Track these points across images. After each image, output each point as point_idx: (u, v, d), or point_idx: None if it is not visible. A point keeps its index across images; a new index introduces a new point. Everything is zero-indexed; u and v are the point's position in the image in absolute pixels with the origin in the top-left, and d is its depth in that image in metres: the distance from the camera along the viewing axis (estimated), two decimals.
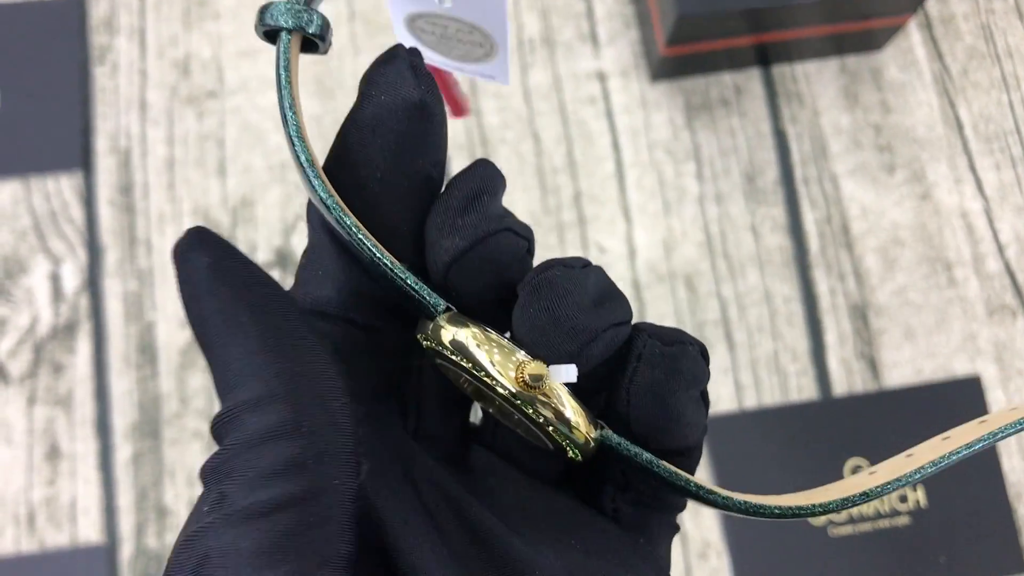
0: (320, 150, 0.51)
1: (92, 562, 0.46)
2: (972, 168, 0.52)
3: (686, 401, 0.18)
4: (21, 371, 0.49)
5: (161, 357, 0.49)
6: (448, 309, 0.18)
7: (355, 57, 0.52)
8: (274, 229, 0.50)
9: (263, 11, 0.18)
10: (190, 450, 0.48)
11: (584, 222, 0.51)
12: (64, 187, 0.51)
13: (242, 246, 0.50)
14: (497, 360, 0.17)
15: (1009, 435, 0.19)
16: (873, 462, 0.48)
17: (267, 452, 0.14)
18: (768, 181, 0.52)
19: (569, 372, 0.17)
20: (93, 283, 0.50)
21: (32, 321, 0.49)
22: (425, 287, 0.18)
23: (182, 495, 0.47)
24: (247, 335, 0.15)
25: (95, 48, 0.53)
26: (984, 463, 0.48)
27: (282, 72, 0.18)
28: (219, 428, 0.15)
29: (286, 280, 0.50)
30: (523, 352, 0.17)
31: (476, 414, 0.21)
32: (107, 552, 0.47)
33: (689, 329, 0.49)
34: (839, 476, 0.48)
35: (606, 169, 0.51)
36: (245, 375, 0.15)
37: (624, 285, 0.50)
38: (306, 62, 0.50)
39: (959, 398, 0.49)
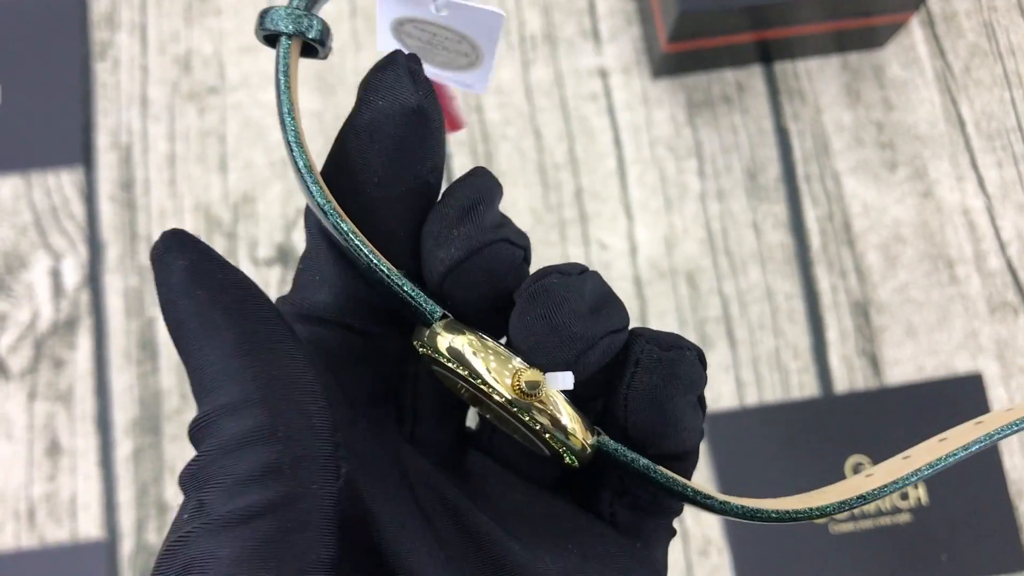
0: (321, 146, 0.51)
1: (92, 558, 0.46)
2: (974, 165, 0.52)
3: (684, 406, 0.18)
4: (21, 367, 0.49)
5: (162, 353, 0.49)
6: (444, 316, 0.18)
7: (356, 53, 0.52)
8: (275, 225, 0.50)
9: (263, 15, 0.18)
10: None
11: (585, 219, 0.51)
12: (65, 183, 0.51)
13: (243, 242, 0.50)
14: (493, 367, 0.17)
15: (1006, 436, 0.19)
16: (874, 459, 0.48)
17: (244, 458, 0.14)
18: (770, 178, 0.51)
19: (566, 379, 0.17)
20: (94, 279, 0.50)
21: (33, 317, 0.49)
22: (422, 294, 0.18)
23: None
24: (224, 338, 0.15)
25: (96, 44, 0.53)
26: (985, 461, 0.48)
27: (281, 77, 0.18)
28: (196, 433, 0.15)
29: (287, 276, 0.50)
30: (519, 359, 0.17)
31: (473, 419, 0.21)
32: (107, 548, 0.47)
33: (690, 326, 0.49)
34: (840, 473, 0.48)
35: (607, 166, 0.51)
36: (221, 378, 0.15)
37: (625, 282, 0.50)
38: None
39: (960, 395, 0.49)
